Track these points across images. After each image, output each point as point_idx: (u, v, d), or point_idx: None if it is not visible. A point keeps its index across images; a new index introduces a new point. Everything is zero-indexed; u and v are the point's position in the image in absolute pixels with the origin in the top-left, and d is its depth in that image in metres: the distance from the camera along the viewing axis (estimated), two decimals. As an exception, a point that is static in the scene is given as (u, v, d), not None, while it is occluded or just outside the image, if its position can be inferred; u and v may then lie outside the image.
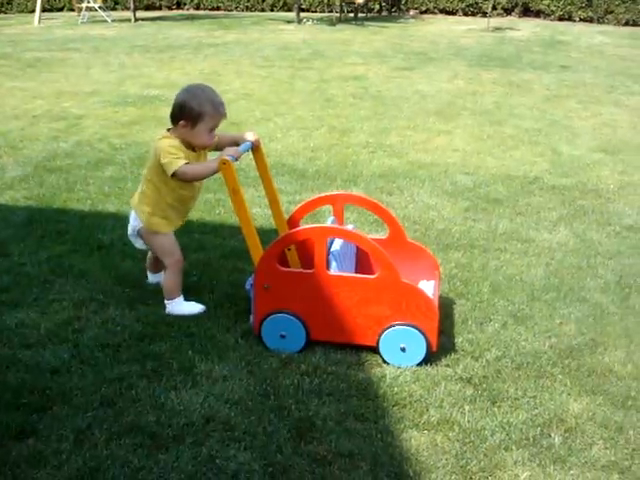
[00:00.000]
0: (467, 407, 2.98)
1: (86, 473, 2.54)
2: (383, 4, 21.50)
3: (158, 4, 22.82)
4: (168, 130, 3.57)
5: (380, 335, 3.28)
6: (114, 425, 2.80)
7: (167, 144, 3.46)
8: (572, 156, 7.05)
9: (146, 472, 2.55)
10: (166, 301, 3.72)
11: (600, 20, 21.36)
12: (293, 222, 3.78)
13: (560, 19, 21.46)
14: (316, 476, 2.55)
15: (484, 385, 3.14)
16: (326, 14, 20.68)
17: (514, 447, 2.75)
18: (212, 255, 4.45)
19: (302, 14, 19.82)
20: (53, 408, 2.91)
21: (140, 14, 20.32)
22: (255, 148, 3.66)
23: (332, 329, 3.34)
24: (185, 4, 22.78)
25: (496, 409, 2.98)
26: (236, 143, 3.57)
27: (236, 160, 3.31)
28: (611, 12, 21.35)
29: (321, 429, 2.80)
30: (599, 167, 6.72)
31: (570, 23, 20.97)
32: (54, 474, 2.53)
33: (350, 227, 3.75)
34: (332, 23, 18.53)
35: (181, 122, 3.46)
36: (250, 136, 3.62)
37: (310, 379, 3.12)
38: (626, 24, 21.09)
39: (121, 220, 4.97)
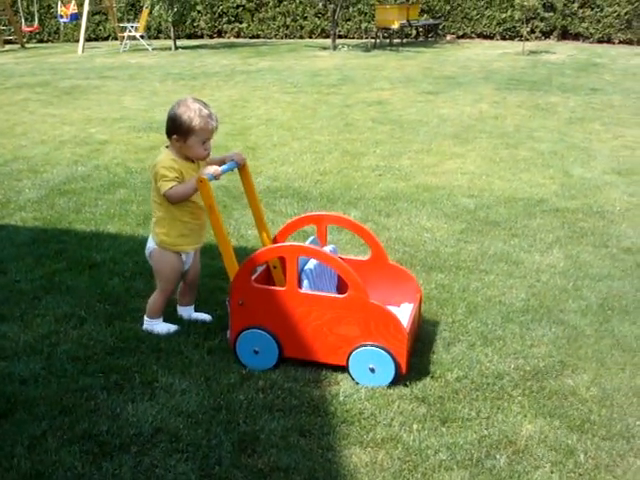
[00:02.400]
0: (416, 426, 2.98)
1: (32, 476, 2.63)
2: (420, 30, 21.54)
3: (200, 33, 23.29)
4: (167, 147, 3.65)
5: (349, 355, 3.31)
6: (68, 433, 2.89)
7: (161, 165, 3.55)
8: (583, 178, 6.98)
9: (87, 478, 2.62)
10: (146, 318, 3.82)
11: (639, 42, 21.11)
12: (277, 241, 3.82)
13: (599, 42, 21.29)
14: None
15: (438, 405, 3.14)
16: (362, 40, 20.85)
17: (455, 467, 2.75)
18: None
19: (339, 41, 20.06)
20: (15, 415, 3.01)
21: (182, 42, 20.81)
22: (241, 167, 3.72)
23: (304, 347, 3.38)
24: (226, 32, 23.18)
25: (445, 429, 2.98)
26: (223, 163, 3.65)
27: (215, 179, 3.38)
28: (651, 34, 21.10)
29: (264, 443, 2.84)
30: (609, 189, 6.65)
31: (609, 46, 20.77)
32: (1, 476, 2.62)
33: (329, 247, 3.78)
34: (367, 49, 18.68)
35: (174, 136, 3.55)
36: (235, 156, 3.69)
37: (264, 395, 3.17)
38: (667, 46, 20.81)
39: (118, 240, 5.13)
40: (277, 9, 22.70)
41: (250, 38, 22.74)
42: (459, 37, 21.91)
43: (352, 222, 3.99)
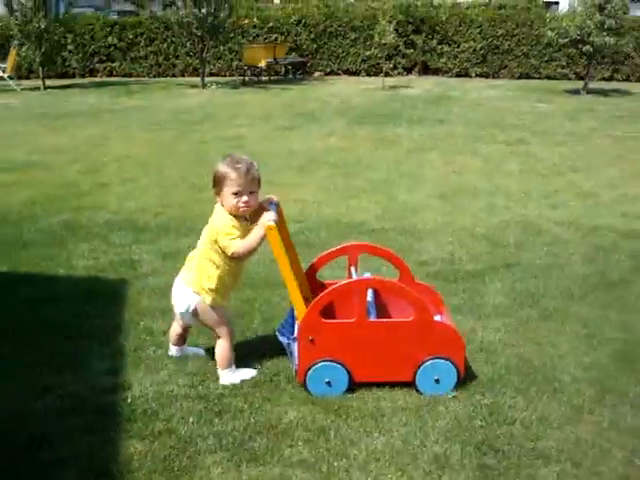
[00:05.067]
0: (191, 419, 3.42)
1: None
2: (289, 67, 22.33)
3: (72, 72, 23.31)
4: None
5: (416, 371, 3.65)
6: None
7: (222, 224, 3.59)
8: (406, 202, 7.67)
9: None
10: (221, 371, 3.81)
11: (495, 75, 22.63)
12: (311, 271, 4.15)
13: (458, 76, 22.66)
14: (37, 477, 2.97)
15: (216, 401, 3.59)
16: (232, 78, 21.43)
17: (219, 450, 3.20)
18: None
19: (209, 79, 20.57)
20: None
21: (53, 82, 20.77)
22: (276, 207, 3.80)
23: (373, 371, 3.67)
24: (98, 71, 23.30)
25: (217, 420, 3.43)
26: (262, 207, 3.71)
27: (275, 224, 3.51)
28: (505, 67, 22.68)
29: (55, 440, 3.21)
30: (427, 211, 7.34)
31: (466, 79, 22.16)
32: None
33: (367, 274, 4.07)
34: (235, 87, 19.25)
35: (214, 189, 3.64)
36: (270, 199, 3.79)
37: (61, 401, 3.54)
38: (520, 77, 22.40)
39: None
40: (149, 48, 23.01)
41: (122, 77, 22.92)
42: (327, 74, 22.83)
43: (377, 247, 4.34)
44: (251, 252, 3.63)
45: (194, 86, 19.49)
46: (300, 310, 3.62)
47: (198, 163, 9.65)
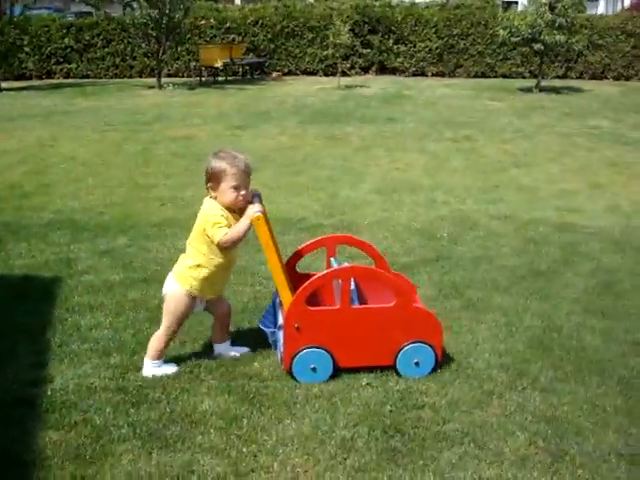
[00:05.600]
0: (108, 410, 3.49)
1: None
2: (247, 67, 22.36)
3: (28, 74, 23.10)
4: (210, 197, 3.77)
5: (397, 354, 3.81)
6: None
7: (212, 214, 3.67)
8: (348, 198, 7.79)
9: None
10: (147, 361, 3.85)
11: (451, 74, 22.89)
12: (291, 263, 4.22)
13: (414, 75, 22.87)
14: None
15: (134, 392, 3.66)
16: (190, 79, 21.41)
17: (132, 439, 3.27)
18: None
19: (168, 79, 20.54)
20: None
21: (9, 84, 20.57)
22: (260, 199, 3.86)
23: (356, 356, 3.81)
24: (55, 73, 23.13)
25: (134, 410, 3.50)
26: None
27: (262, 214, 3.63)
28: (461, 66, 22.94)
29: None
30: (367, 206, 7.47)
31: (423, 78, 22.38)
32: None
33: (346, 264, 4.12)
34: (192, 87, 19.23)
35: (209, 184, 3.72)
36: (254, 191, 3.85)
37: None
38: (475, 76, 22.68)
39: None
40: (106, 49, 22.89)
41: (80, 78, 22.77)
42: (285, 74, 22.89)
43: (356, 239, 4.51)
44: (236, 242, 3.70)
45: (151, 87, 19.44)
46: (286, 298, 3.73)
47: (145, 163, 9.69)
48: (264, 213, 3.73)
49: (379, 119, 13.74)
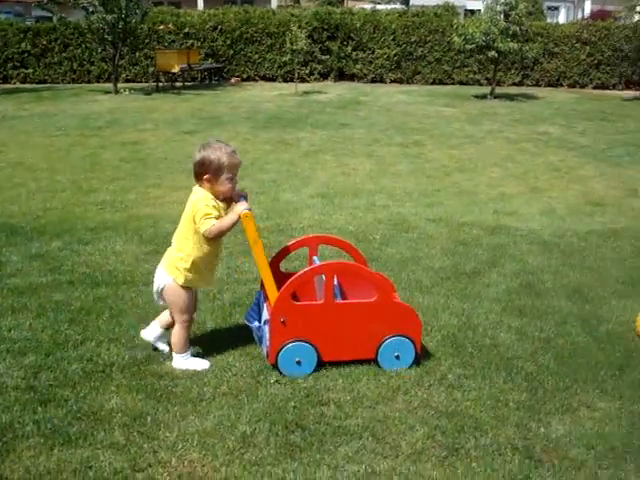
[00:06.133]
0: (16, 408, 3.52)
1: None
2: (205, 73, 22.37)
3: (-16, 79, 22.88)
4: (200, 187, 3.89)
5: (378, 348, 3.95)
6: None
7: (204, 203, 3.79)
8: (288, 202, 7.85)
9: None
10: (176, 355, 4.00)
11: (409, 81, 23.11)
12: (275, 262, 4.28)
13: (373, 81, 23.05)
14: None
15: (44, 391, 3.68)
16: (148, 84, 21.36)
17: (35, 436, 3.30)
18: None
19: (125, 84, 20.49)
20: None
21: (-37, 90, 20.36)
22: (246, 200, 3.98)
23: (339, 350, 3.94)
24: (12, 78, 22.92)
25: (41, 408, 3.52)
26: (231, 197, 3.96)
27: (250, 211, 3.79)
28: (419, 73, 23.17)
29: None
30: (307, 210, 7.53)
31: (381, 85, 22.57)
32: None
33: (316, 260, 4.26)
34: (148, 92, 19.19)
35: (205, 177, 3.81)
36: (240, 192, 4.00)
37: None
38: (433, 83, 22.94)
39: None
40: (63, 54, 22.74)
41: (37, 83, 22.60)
42: (244, 80, 22.93)
43: (337, 239, 4.67)
44: (221, 234, 3.83)
45: (107, 92, 19.36)
46: (272, 293, 3.85)
47: (91, 168, 9.66)
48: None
49: (332, 125, 13.84)
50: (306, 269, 4.00)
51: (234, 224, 3.81)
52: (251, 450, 3.24)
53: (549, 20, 35.04)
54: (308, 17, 22.72)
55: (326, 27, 22.84)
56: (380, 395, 3.77)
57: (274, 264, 4.24)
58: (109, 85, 20.33)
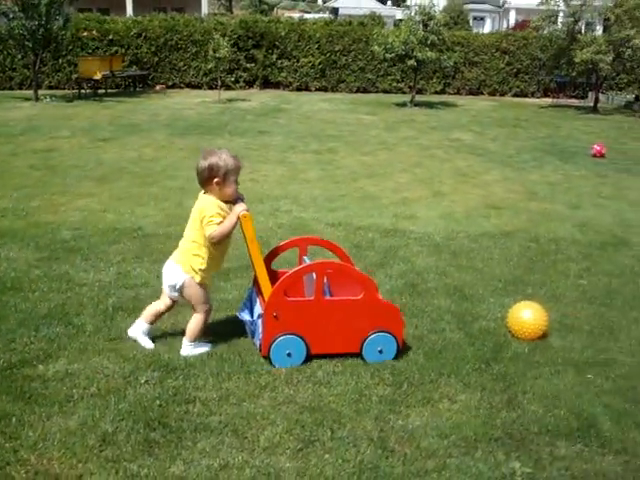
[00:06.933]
0: None
1: None
2: (129, 80, 22.23)
3: None
4: (204, 193, 4.18)
5: (363, 343, 4.24)
6: None
7: (210, 210, 4.08)
8: (191, 209, 7.88)
9: None
10: (187, 342, 4.27)
11: (334, 89, 23.37)
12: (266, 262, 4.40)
13: (298, 89, 23.25)
14: None
15: None
16: (70, 91, 21.11)
17: None
18: None
19: (47, 91, 20.22)
20: None
21: None
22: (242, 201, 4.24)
23: (326, 344, 4.21)
24: None
25: None
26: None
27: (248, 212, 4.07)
28: (343, 81, 23.45)
29: None
30: (210, 217, 7.58)
31: (306, 92, 22.77)
32: None
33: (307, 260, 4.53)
34: (70, 100, 18.98)
35: (215, 181, 4.06)
36: (241, 195, 4.26)
37: None
38: (357, 91, 23.25)
39: None
40: (-17, 61, 22.32)
41: (-43, 90, 22.13)
42: (169, 87, 22.86)
43: (324, 240, 4.94)
44: (224, 237, 4.11)
45: (27, 99, 19.07)
46: (267, 290, 4.10)
47: (-2, 175, 9.55)
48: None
49: (250, 132, 13.95)
50: (299, 267, 4.27)
51: (234, 225, 4.08)
52: (110, 448, 3.32)
53: (475, 30, 35.82)
54: (233, 25, 22.80)
55: (251, 35, 22.96)
56: (247, 392, 3.89)
57: (266, 263, 4.41)
58: (30, 92, 20.03)
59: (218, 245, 4.17)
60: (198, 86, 23.10)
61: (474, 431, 3.66)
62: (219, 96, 19.37)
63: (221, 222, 4.06)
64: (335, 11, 37.76)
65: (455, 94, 23.77)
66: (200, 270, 4.19)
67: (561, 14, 21.47)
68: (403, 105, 19.55)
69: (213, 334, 4.52)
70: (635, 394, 4.18)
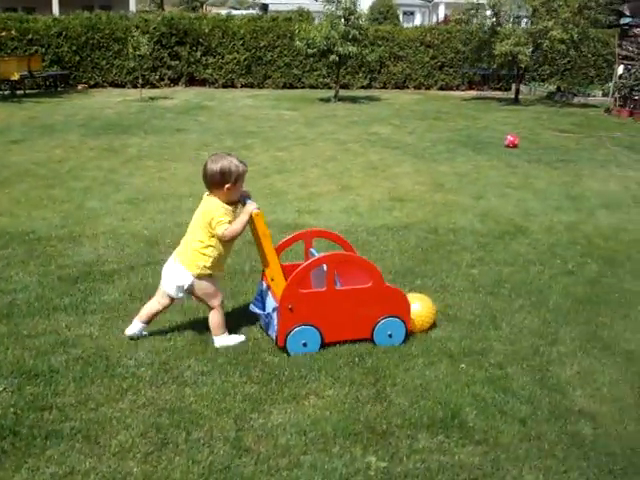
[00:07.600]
0: None
1: None
2: (50, 80, 21.76)
3: None
4: (208, 195, 4.34)
5: (373, 328, 4.44)
6: None
7: (217, 212, 4.24)
8: (92, 209, 7.80)
9: None
10: (216, 337, 4.44)
11: (260, 85, 23.28)
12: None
13: (225, 86, 23.09)
14: None
15: None
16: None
17: None
18: None
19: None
20: None
21: None
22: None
23: (339, 331, 4.39)
24: None
25: None
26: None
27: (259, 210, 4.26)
28: (269, 77, 23.36)
29: None
30: (108, 217, 7.51)
31: (232, 89, 22.63)
32: None
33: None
34: (-16, 101, 18.50)
35: (227, 185, 4.22)
36: (244, 193, 4.43)
37: None
38: (284, 87, 23.19)
39: None
40: None
41: None
42: (92, 86, 22.46)
43: (328, 232, 5.17)
44: (236, 235, 4.30)
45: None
46: (280, 283, 4.30)
47: None
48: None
49: (167, 130, 13.79)
50: (309, 260, 4.40)
51: (246, 224, 4.25)
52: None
53: (405, 25, 36.07)
54: (156, 22, 22.51)
55: (175, 32, 22.70)
56: (108, 397, 3.82)
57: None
58: (-56, 94, 19.47)
59: (227, 243, 4.35)
60: (122, 85, 22.76)
61: (334, 427, 3.63)
62: (140, 94, 19.09)
63: (230, 222, 4.22)
64: (265, 7, 37.59)
65: (381, 88, 23.91)
66: (206, 267, 4.33)
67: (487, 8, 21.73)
68: (327, 100, 19.58)
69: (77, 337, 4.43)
70: (506, 382, 4.21)
